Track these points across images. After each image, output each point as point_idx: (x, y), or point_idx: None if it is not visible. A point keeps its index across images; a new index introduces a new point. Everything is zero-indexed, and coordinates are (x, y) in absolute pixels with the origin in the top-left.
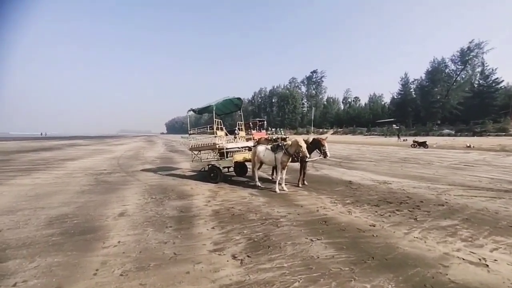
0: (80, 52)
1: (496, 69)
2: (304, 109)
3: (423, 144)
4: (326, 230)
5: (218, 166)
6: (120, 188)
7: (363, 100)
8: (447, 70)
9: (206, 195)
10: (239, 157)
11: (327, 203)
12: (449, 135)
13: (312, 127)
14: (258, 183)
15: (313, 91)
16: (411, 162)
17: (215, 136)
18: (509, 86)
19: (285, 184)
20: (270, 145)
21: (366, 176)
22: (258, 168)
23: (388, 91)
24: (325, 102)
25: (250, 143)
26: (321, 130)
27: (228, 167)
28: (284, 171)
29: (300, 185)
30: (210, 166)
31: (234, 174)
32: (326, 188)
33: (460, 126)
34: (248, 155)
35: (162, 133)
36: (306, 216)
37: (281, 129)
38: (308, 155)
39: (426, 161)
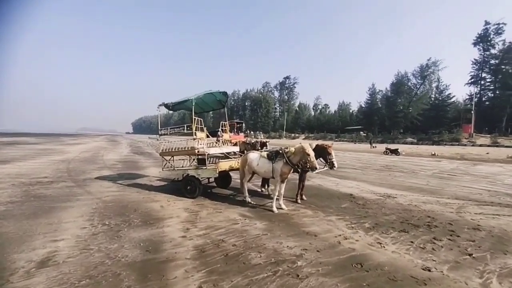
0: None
1: (449, 85)
2: (276, 113)
3: (395, 151)
4: (372, 282)
5: (197, 176)
6: (57, 208)
7: (332, 107)
8: (409, 83)
9: (183, 218)
10: (224, 165)
11: (344, 229)
12: (411, 143)
13: (284, 132)
14: (248, 199)
15: (286, 97)
16: (395, 171)
17: (194, 139)
18: (458, 102)
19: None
20: (266, 152)
21: (363, 187)
22: (249, 180)
23: (356, 101)
24: (297, 108)
25: (236, 148)
26: (293, 135)
27: (209, 178)
28: (283, 185)
29: (299, 201)
30: (186, 176)
31: (215, 185)
32: (330, 204)
33: (420, 135)
34: (235, 163)
35: (128, 133)
36: (330, 254)
37: (260, 132)
38: (317, 166)
39: (408, 170)
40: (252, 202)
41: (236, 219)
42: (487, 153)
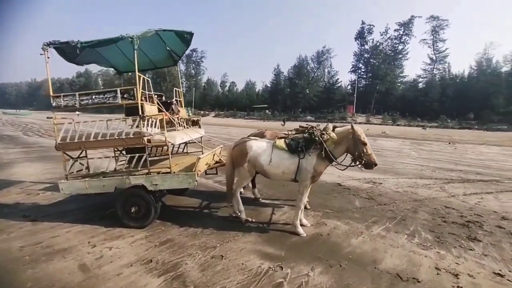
0: None
1: (337, 72)
2: (183, 89)
3: None
4: None
5: (152, 188)
6: None
7: (239, 86)
8: (308, 67)
9: None
10: (203, 163)
11: (425, 253)
12: (311, 121)
13: (193, 109)
14: (243, 216)
15: (193, 71)
16: None
17: (142, 116)
18: (343, 87)
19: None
20: (286, 139)
21: (350, 174)
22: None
23: (261, 80)
24: (205, 84)
25: (202, 131)
26: (202, 112)
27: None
28: (307, 192)
29: (309, 207)
30: (128, 189)
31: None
32: (343, 205)
33: (317, 113)
34: (212, 158)
35: None
36: None
37: (189, 108)
38: (376, 162)
39: None
40: (251, 220)
41: (260, 269)
42: (368, 129)
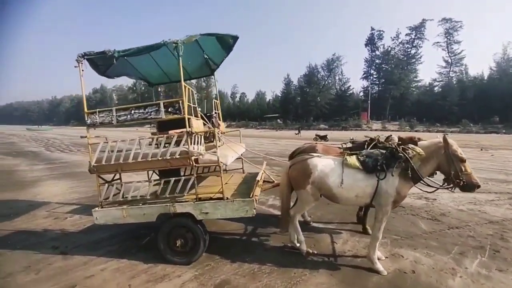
0: None
1: (349, 79)
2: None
3: (324, 138)
4: None
5: (200, 217)
6: None
7: (249, 96)
8: (318, 75)
9: None
10: (258, 187)
11: None
12: (324, 129)
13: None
14: (304, 247)
15: (203, 83)
16: None
17: (190, 132)
18: (355, 93)
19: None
20: (358, 155)
21: None
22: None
23: (270, 90)
24: (215, 95)
25: (243, 148)
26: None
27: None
28: (386, 220)
29: (369, 228)
30: (173, 219)
31: None
32: (413, 230)
33: (330, 121)
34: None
35: None
36: None
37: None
38: (479, 183)
39: None
40: (314, 252)
41: None
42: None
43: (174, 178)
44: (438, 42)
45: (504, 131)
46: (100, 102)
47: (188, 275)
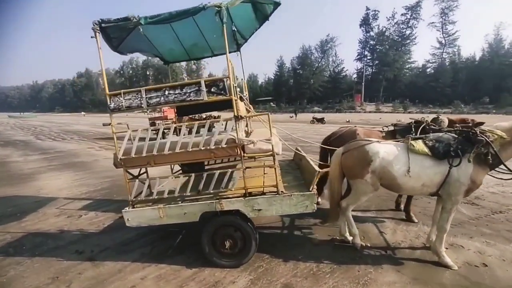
0: None
1: (343, 60)
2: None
3: (321, 120)
4: None
5: (253, 215)
6: None
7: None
8: (312, 57)
9: None
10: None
11: None
12: (318, 111)
13: None
14: (358, 241)
15: (194, 66)
16: None
17: (237, 116)
18: (349, 75)
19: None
20: (426, 139)
21: None
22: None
23: (262, 73)
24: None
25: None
26: None
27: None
28: (455, 210)
29: (413, 216)
30: (220, 217)
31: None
32: (458, 216)
33: (324, 104)
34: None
35: None
36: None
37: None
38: None
39: None
40: (367, 244)
41: None
42: (380, 118)
43: (218, 171)
44: (433, 23)
45: (494, 111)
46: (86, 86)
47: (243, 281)
